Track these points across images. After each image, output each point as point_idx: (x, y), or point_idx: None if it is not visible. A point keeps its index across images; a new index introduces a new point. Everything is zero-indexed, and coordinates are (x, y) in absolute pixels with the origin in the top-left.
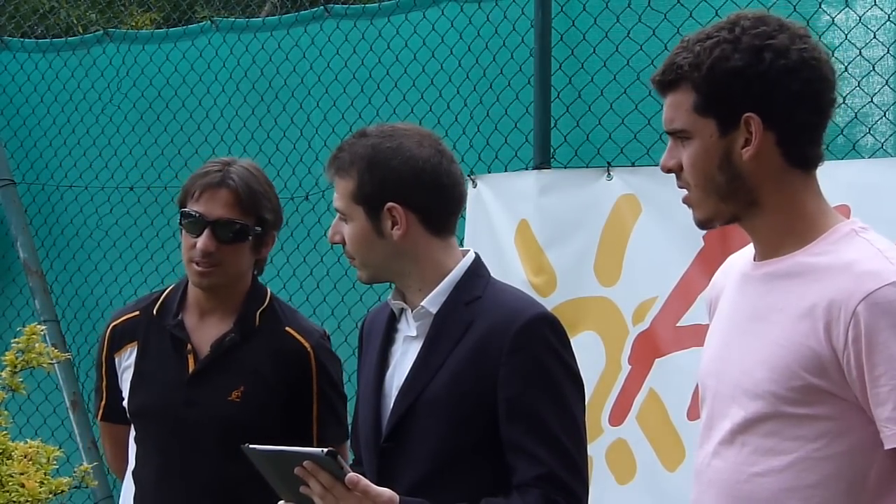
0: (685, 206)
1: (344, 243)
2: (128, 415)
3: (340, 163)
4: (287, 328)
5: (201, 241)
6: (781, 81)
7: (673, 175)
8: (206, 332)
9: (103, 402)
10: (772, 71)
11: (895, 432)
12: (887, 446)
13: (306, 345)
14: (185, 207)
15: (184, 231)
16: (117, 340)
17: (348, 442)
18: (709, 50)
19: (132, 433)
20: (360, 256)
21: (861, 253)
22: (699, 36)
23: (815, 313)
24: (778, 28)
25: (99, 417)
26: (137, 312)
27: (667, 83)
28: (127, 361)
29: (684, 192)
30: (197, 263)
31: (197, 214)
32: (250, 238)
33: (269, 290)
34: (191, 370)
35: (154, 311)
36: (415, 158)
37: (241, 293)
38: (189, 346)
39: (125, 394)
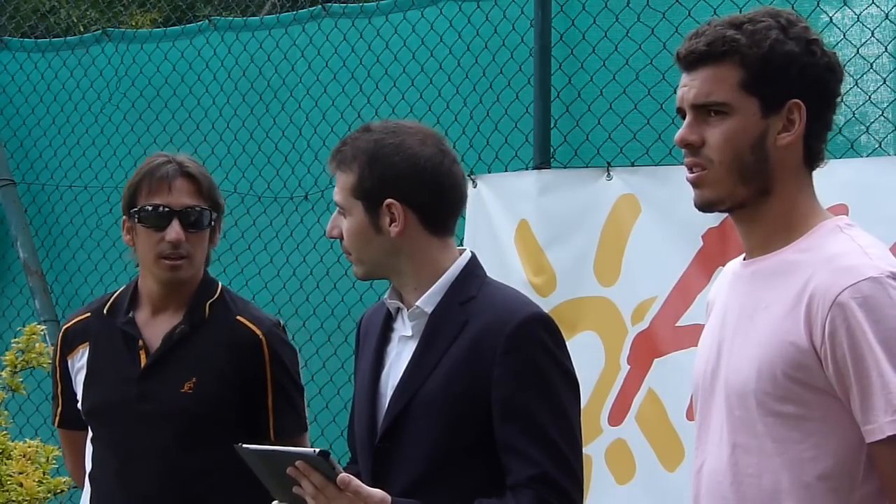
0: (689, 186)
1: (342, 238)
2: (83, 416)
3: (342, 157)
4: (238, 317)
5: (172, 233)
6: (826, 77)
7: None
8: (157, 328)
9: (59, 409)
10: (820, 65)
11: (870, 428)
12: (868, 440)
13: (258, 332)
14: (135, 207)
15: (141, 228)
16: (69, 342)
17: (307, 434)
18: (764, 31)
19: (89, 436)
20: (356, 251)
21: (842, 248)
22: (740, 19)
23: (796, 309)
24: (809, 28)
25: (55, 424)
26: (88, 314)
27: (714, 55)
28: (80, 363)
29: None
30: (167, 258)
31: (161, 206)
32: (212, 224)
33: (220, 283)
34: (143, 365)
35: (104, 311)
36: (416, 156)
37: (194, 286)
38: (141, 342)
39: (80, 396)
